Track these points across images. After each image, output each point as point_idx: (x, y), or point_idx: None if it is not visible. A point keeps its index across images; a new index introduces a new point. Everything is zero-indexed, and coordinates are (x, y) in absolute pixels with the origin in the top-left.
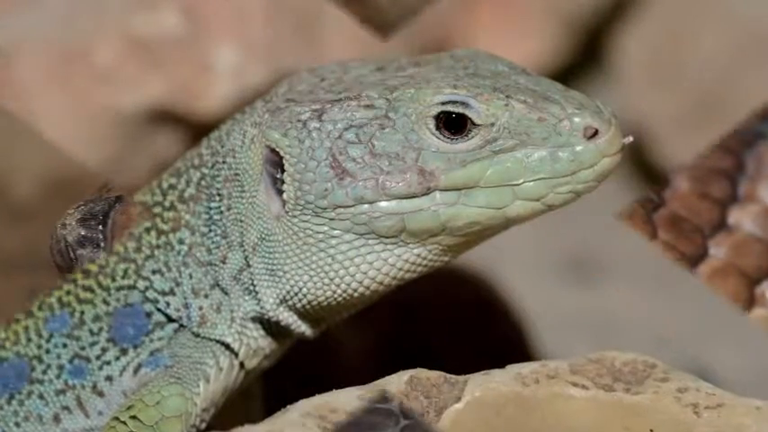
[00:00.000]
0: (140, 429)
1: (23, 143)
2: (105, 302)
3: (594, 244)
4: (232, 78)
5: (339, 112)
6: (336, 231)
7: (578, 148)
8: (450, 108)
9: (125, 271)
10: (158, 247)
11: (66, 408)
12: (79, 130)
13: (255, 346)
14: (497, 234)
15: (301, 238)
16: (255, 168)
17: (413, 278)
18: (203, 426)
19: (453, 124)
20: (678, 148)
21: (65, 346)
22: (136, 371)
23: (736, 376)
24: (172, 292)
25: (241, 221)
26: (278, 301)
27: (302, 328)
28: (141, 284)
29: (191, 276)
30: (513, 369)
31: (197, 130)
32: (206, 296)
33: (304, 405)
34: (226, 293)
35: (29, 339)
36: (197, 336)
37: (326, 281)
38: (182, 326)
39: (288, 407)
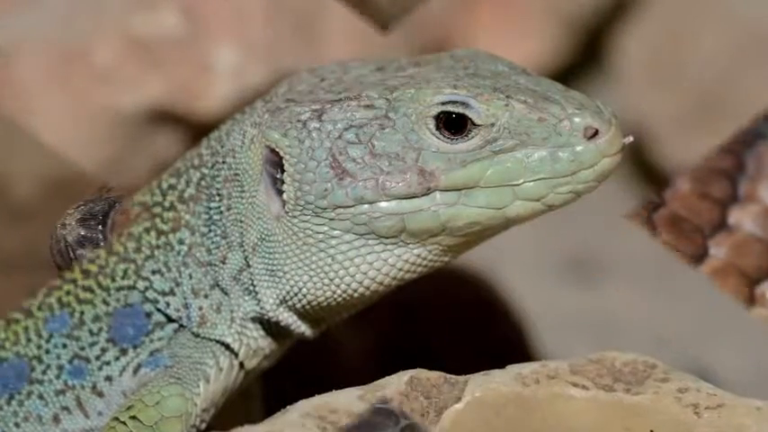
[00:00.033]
0: (140, 430)
1: (23, 144)
2: (105, 303)
3: (595, 244)
4: (232, 78)
5: (339, 112)
6: (336, 232)
7: (578, 149)
8: (450, 108)
9: (125, 271)
10: (158, 247)
11: (65, 408)
12: (79, 130)
13: (255, 346)
14: (497, 234)
15: (301, 238)
16: (255, 168)
17: (413, 278)
18: (203, 426)
19: (453, 124)
20: (678, 148)
21: (64, 346)
22: (135, 371)
23: (736, 377)
24: (172, 293)
25: (241, 222)
26: (278, 301)
27: (302, 328)
28: (141, 285)
29: (190, 276)
30: (514, 369)
31: (197, 130)
32: (206, 296)
33: (304, 405)
34: (226, 294)
35: (29, 340)
36: (197, 336)
37: (326, 281)
38: (181, 326)
39: (288, 407)
